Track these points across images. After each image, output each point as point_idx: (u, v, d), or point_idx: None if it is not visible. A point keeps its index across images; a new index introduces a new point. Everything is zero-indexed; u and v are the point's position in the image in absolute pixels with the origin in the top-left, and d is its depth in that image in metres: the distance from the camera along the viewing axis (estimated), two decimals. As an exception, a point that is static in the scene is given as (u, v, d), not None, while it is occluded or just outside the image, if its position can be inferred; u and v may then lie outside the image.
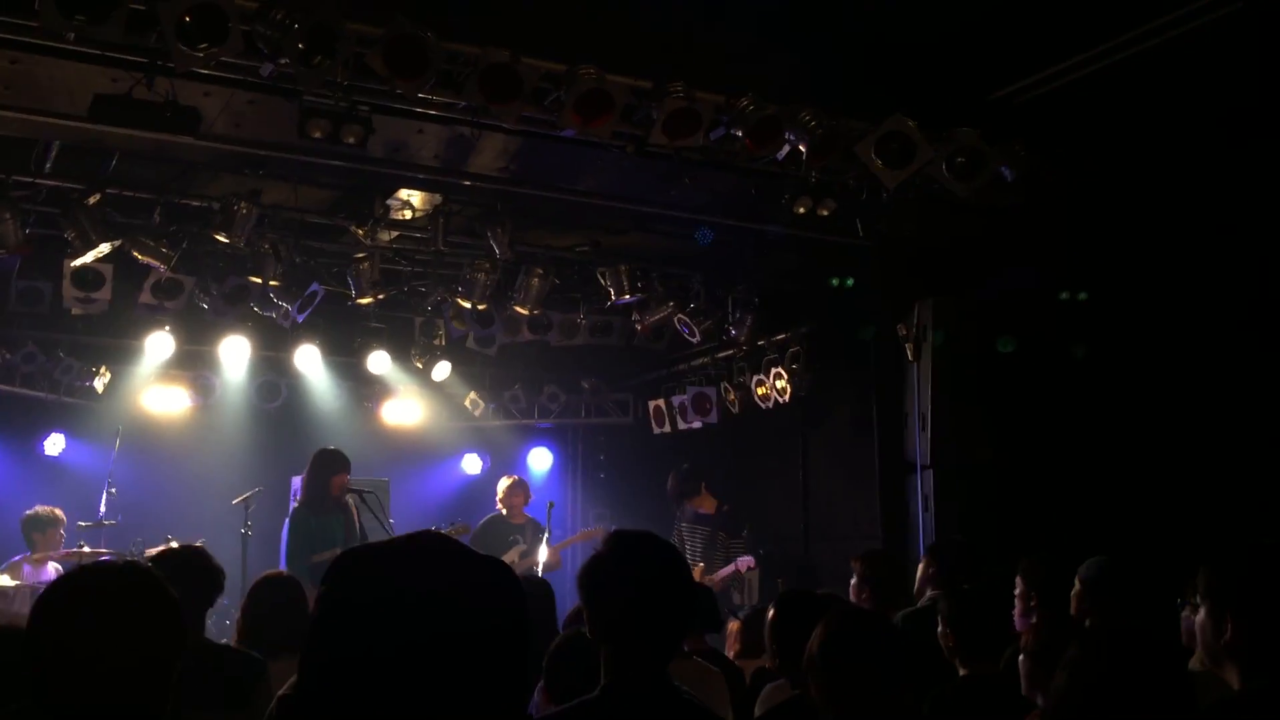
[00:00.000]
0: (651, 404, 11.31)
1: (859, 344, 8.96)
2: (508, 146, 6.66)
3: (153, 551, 7.51)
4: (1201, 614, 2.59)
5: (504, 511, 9.87)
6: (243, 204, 7.44)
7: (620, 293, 9.03)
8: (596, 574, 2.53)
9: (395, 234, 8.54)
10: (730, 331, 9.77)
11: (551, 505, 9.72)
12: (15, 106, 5.75)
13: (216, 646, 4.23)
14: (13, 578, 7.85)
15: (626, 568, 2.52)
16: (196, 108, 5.67)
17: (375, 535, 8.08)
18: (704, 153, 6.49)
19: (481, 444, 12.32)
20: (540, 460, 12.81)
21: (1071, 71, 6.14)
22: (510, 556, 9.26)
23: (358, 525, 8.14)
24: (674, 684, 2.52)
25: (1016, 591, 4.86)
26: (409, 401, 11.29)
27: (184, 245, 7.92)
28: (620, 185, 7.32)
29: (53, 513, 8.45)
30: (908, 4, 5.77)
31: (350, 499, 8.17)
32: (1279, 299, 6.87)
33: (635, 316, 9.68)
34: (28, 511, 8.47)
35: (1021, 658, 3.60)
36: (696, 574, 9.09)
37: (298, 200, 7.90)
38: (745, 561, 9.08)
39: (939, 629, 4.48)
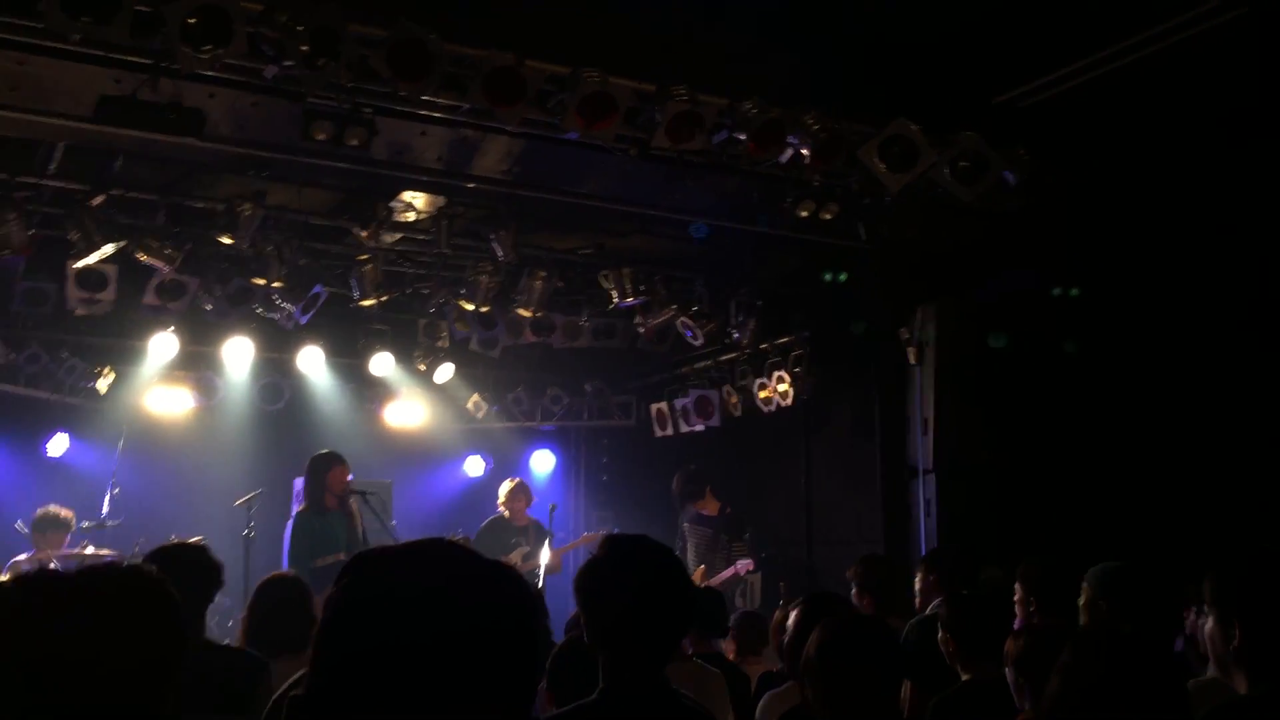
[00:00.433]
0: (654, 407, 11.32)
1: (861, 347, 8.96)
2: (511, 149, 6.67)
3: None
4: (1210, 622, 2.59)
5: (506, 514, 9.88)
6: (246, 205, 7.45)
7: (623, 295, 9.04)
8: (592, 579, 2.54)
9: (398, 236, 8.55)
10: (733, 335, 9.78)
11: (554, 507, 9.74)
12: (20, 107, 5.75)
13: (218, 646, 4.24)
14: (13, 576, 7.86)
15: (622, 572, 2.52)
16: (201, 109, 5.68)
17: (377, 537, 8.08)
18: (707, 156, 6.50)
19: (484, 446, 12.33)
20: (543, 462, 12.82)
21: (1075, 76, 6.15)
22: (513, 559, 9.26)
23: (360, 529, 8.14)
24: (671, 687, 2.52)
25: (1015, 597, 4.87)
26: (412, 403, 11.29)
27: (188, 246, 7.94)
28: (623, 188, 7.32)
29: (59, 515, 8.45)
30: (910, 7, 5.78)
31: (354, 502, 8.17)
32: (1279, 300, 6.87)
33: (638, 319, 9.68)
34: (38, 511, 8.47)
35: (1007, 668, 3.60)
36: (698, 575, 9.10)
37: (301, 202, 7.91)
38: (745, 564, 9.08)
39: (939, 634, 4.49)
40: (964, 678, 4.33)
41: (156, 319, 9.08)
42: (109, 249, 7.46)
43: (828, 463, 9.92)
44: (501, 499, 9.95)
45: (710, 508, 9.49)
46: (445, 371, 10.33)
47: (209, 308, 8.78)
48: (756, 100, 6.14)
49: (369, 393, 11.18)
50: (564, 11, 5.62)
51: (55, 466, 10.21)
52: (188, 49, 4.99)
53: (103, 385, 9.87)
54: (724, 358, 10.51)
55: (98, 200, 7.29)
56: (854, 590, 5.68)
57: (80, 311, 8.54)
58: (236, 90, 5.75)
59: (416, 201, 8.06)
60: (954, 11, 5.76)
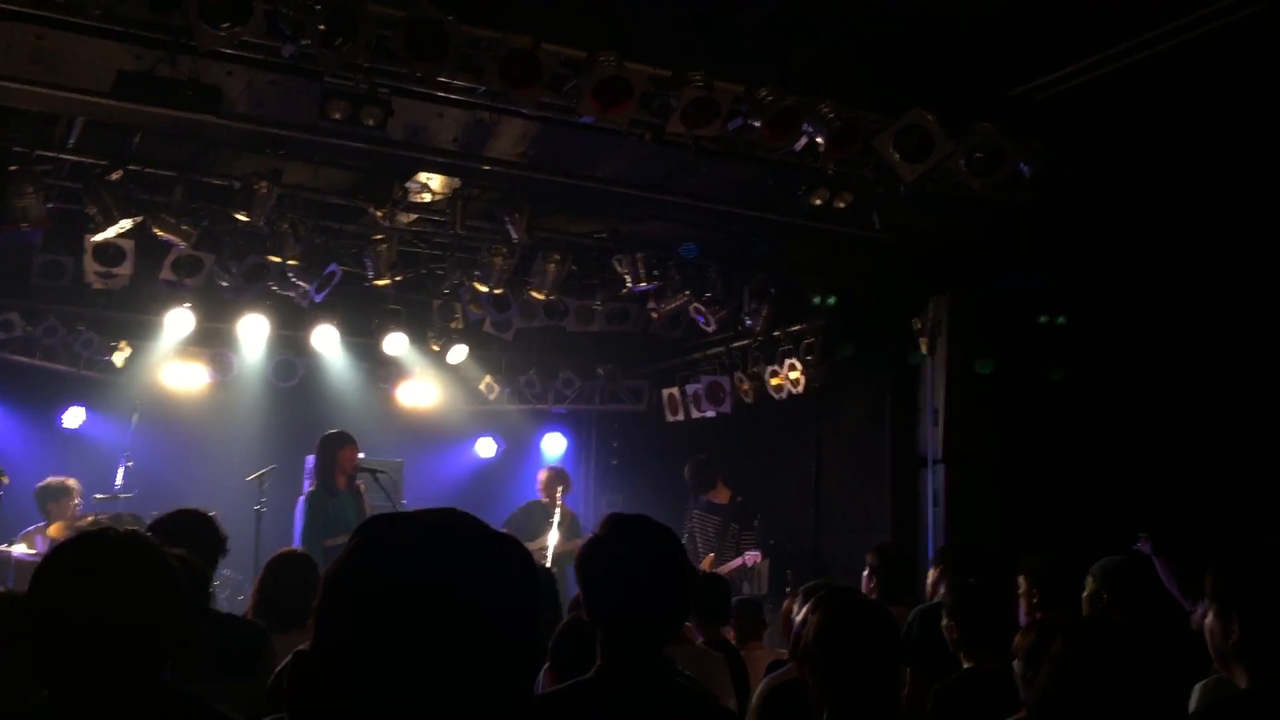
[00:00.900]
0: (666, 392, 11.33)
1: (873, 337, 8.97)
2: (526, 132, 6.68)
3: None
4: (1210, 616, 2.59)
5: (545, 500, 9.91)
6: (263, 183, 7.49)
7: (637, 280, 9.06)
8: (592, 556, 2.55)
9: (414, 217, 8.59)
10: (746, 321, 9.78)
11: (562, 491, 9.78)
12: (40, 82, 5.78)
13: (220, 615, 4.28)
14: (29, 547, 7.96)
15: (621, 550, 2.54)
16: (218, 87, 5.69)
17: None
18: (722, 142, 6.50)
19: (496, 428, 12.37)
20: (554, 445, 12.86)
21: (1092, 70, 6.12)
22: (540, 542, 9.33)
23: (368, 509, 8.19)
24: (669, 666, 2.55)
25: (1019, 589, 4.88)
26: (424, 383, 11.34)
27: (204, 223, 7.99)
28: (638, 173, 7.32)
29: (64, 483, 8.53)
30: (928, -2, 5.77)
31: (361, 483, 8.21)
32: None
33: (651, 304, 9.70)
34: (41, 483, 8.57)
35: (1015, 660, 3.61)
36: (706, 563, 9.12)
37: (318, 181, 7.95)
38: (752, 556, 9.10)
39: (943, 621, 4.50)
40: (966, 666, 4.35)
41: (173, 294, 9.15)
42: (126, 224, 7.51)
43: (838, 451, 9.93)
44: (540, 484, 9.99)
45: (721, 496, 9.51)
46: (458, 353, 10.36)
47: (225, 284, 8.83)
48: (772, 87, 6.12)
49: (382, 372, 11.24)
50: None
51: (71, 438, 10.30)
52: (206, 26, 5.02)
53: (119, 359, 9.95)
54: (736, 344, 10.51)
55: (116, 175, 7.34)
56: (864, 574, 5.73)
57: (98, 285, 8.61)
58: (254, 68, 5.76)
59: (432, 183, 8.09)
60: (972, 2, 5.73)
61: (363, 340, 10.43)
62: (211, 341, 10.33)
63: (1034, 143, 6.63)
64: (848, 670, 2.93)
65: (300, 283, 8.63)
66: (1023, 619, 4.74)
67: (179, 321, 9.35)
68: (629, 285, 9.13)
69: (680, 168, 6.88)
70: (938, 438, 8.32)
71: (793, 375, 9.60)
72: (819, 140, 6.35)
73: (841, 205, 6.90)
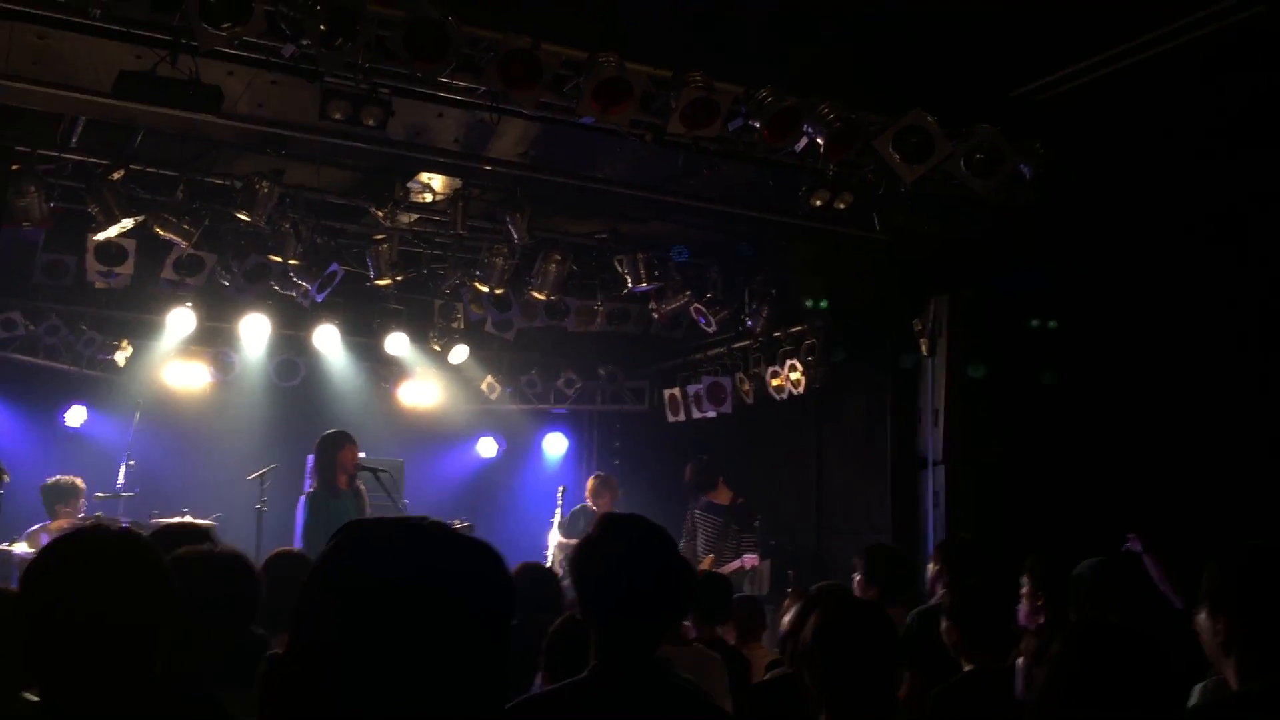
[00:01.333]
0: (667, 392, 11.34)
1: (874, 337, 8.97)
2: (527, 132, 6.68)
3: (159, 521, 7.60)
4: (1202, 616, 2.60)
5: (592, 506, 9.91)
6: (264, 183, 7.51)
7: (637, 280, 9.07)
8: (585, 555, 2.56)
9: (415, 217, 8.60)
10: (746, 322, 9.78)
11: (564, 490, 9.79)
12: (42, 81, 5.80)
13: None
14: (32, 546, 7.96)
15: (616, 550, 2.54)
16: (219, 86, 5.71)
17: (386, 514, 8.12)
18: (722, 143, 6.50)
19: (497, 427, 12.39)
20: (555, 445, 12.87)
21: (1092, 71, 6.11)
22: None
23: (368, 509, 8.19)
24: (663, 666, 2.55)
25: (1024, 590, 4.88)
26: (426, 383, 11.36)
27: (206, 222, 8.00)
28: (639, 174, 7.34)
29: (74, 482, 8.54)
30: (928, -1, 5.76)
31: (361, 483, 8.21)
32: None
33: (652, 304, 9.71)
34: (49, 480, 8.58)
35: (1021, 660, 3.61)
36: (707, 563, 9.13)
37: (319, 181, 7.96)
38: (750, 559, 9.11)
39: (942, 624, 4.50)
40: (966, 668, 4.34)
41: (174, 294, 9.17)
42: (128, 223, 7.53)
43: (839, 451, 9.94)
44: (588, 491, 10.00)
45: (722, 497, 9.51)
46: (460, 352, 10.38)
47: (226, 284, 8.85)
48: (772, 88, 6.12)
49: (384, 372, 11.26)
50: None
51: (72, 437, 10.32)
52: (207, 26, 5.02)
53: (121, 358, 9.98)
54: (737, 345, 10.52)
55: (118, 175, 7.35)
56: (857, 579, 5.70)
57: (99, 285, 8.63)
58: (255, 68, 5.77)
59: (433, 183, 8.11)
60: (972, 3, 5.73)
61: (364, 340, 10.45)
62: (213, 341, 10.35)
63: (1034, 144, 6.63)
64: (845, 670, 2.93)
65: (302, 282, 8.64)
66: (1024, 620, 4.75)
67: (180, 321, 9.36)
68: (630, 286, 9.14)
69: (681, 168, 6.89)
70: (938, 438, 8.32)
71: (793, 376, 9.61)
72: (819, 141, 6.35)
73: (842, 206, 6.90)
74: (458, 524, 8.52)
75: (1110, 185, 7.09)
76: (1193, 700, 3.09)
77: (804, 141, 6.39)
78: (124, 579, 2.10)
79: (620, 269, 9.11)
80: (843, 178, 6.90)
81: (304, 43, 5.33)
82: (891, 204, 7.21)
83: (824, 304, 8.83)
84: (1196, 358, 7.37)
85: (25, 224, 7.28)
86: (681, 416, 11.12)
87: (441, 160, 7.09)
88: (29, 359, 9.78)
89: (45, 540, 7.94)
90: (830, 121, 6.27)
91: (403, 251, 8.91)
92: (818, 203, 6.89)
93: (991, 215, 7.24)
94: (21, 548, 7.91)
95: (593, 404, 12.50)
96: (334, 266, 8.61)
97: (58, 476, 8.59)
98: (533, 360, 11.97)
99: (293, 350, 10.74)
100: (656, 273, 9.12)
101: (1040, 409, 8.16)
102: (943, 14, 5.85)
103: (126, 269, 8.43)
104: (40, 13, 5.26)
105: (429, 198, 8.28)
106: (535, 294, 9.21)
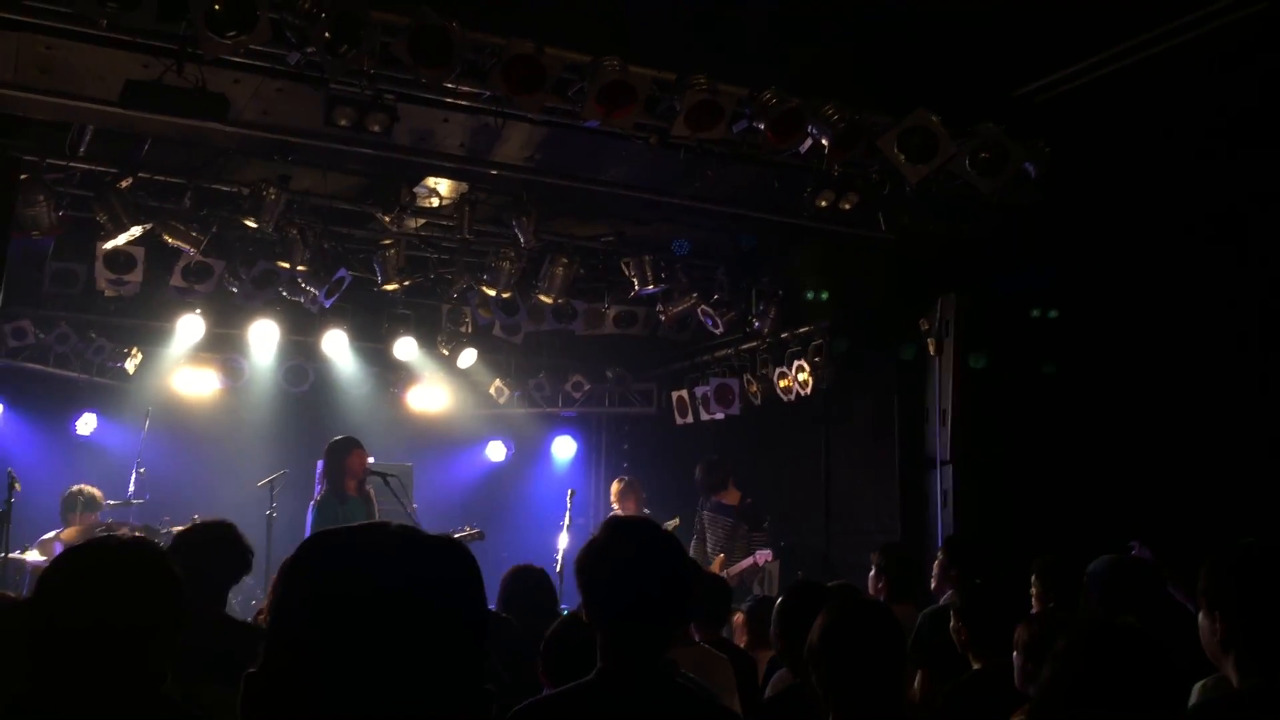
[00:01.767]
0: (675, 394, 11.35)
1: (881, 338, 8.97)
2: (533, 136, 6.70)
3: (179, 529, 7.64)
4: (1201, 614, 2.60)
5: (618, 510, 9.90)
6: (271, 190, 7.54)
7: (644, 283, 9.08)
8: (593, 560, 2.56)
9: (422, 221, 8.62)
10: (753, 324, 9.79)
11: (572, 493, 9.79)
12: (50, 91, 5.83)
13: (236, 623, 4.31)
14: (43, 554, 8.00)
15: (619, 552, 2.55)
16: (225, 94, 5.73)
17: (395, 520, 8.15)
18: (726, 145, 6.51)
19: (505, 431, 12.40)
20: (564, 449, 12.88)
21: (1095, 70, 6.11)
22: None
23: (376, 515, 8.22)
24: (670, 669, 2.55)
25: (1033, 591, 4.88)
26: (434, 388, 11.38)
27: (214, 229, 8.04)
28: (644, 176, 7.35)
29: (94, 495, 8.57)
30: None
31: (370, 488, 8.24)
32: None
33: (659, 307, 9.72)
34: (70, 489, 8.60)
35: (1015, 653, 3.62)
36: (717, 564, 9.13)
37: (326, 187, 7.99)
38: (764, 555, 9.09)
39: (951, 623, 4.51)
40: (976, 667, 4.35)
41: (183, 301, 9.20)
42: (136, 231, 7.56)
43: (847, 452, 9.93)
44: (613, 496, 9.99)
45: (731, 498, 9.51)
46: (468, 357, 10.39)
47: (235, 290, 8.88)
48: (776, 90, 6.14)
49: (392, 377, 11.28)
50: (584, 1, 5.65)
51: (83, 445, 10.37)
52: (212, 35, 5.05)
53: (130, 366, 10.02)
54: (745, 346, 10.52)
55: (126, 183, 7.39)
56: (871, 574, 5.74)
57: (109, 292, 8.67)
58: (261, 76, 5.81)
59: (440, 187, 8.13)
60: (974, 3, 5.73)
61: (372, 345, 10.47)
62: (222, 347, 10.39)
63: (1038, 143, 6.63)
64: (852, 670, 2.94)
65: (310, 288, 8.67)
66: (1031, 618, 4.75)
67: (190, 327, 9.40)
68: (637, 288, 9.15)
69: (686, 170, 6.90)
70: (945, 438, 8.32)
71: (801, 377, 9.60)
72: (824, 142, 6.36)
73: (847, 207, 6.91)
74: (466, 530, 8.56)
75: (1113, 184, 7.09)
76: (1193, 699, 3.10)
77: (808, 142, 6.41)
78: (134, 588, 2.11)
79: (627, 272, 9.12)
80: (848, 178, 6.91)
81: (309, 50, 5.36)
82: (897, 204, 7.21)
83: (825, 295, 8.81)
84: (1199, 356, 7.36)
85: (35, 233, 7.32)
86: (690, 419, 11.13)
87: (447, 165, 7.11)
88: (40, 367, 9.83)
89: (58, 548, 8.04)
90: (834, 122, 6.28)
91: (410, 256, 8.94)
92: (823, 203, 6.90)
93: (997, 214, 7.24)
94: (33, 555, 7.95)
95: (601, 407, 12.51)
96: (342, 272, 8.64)
97: (81, 485, 8.62)
98: (541, 364, 11.99)
99: (301, 356, 10.77)
100: (663, 275, 9.13)
101: (1047, 408, 8.16)
102: (944, 14, 5.86)
103: (135, 277, 8.46)
104: (47, 23, 5.30)
105: (435, 202, 8.30)
106: (543, 297, 9.23)
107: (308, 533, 7.99)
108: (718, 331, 9.98)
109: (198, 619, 2.39)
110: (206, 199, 7.94)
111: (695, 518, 9.65)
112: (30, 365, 9.79)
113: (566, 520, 9.62)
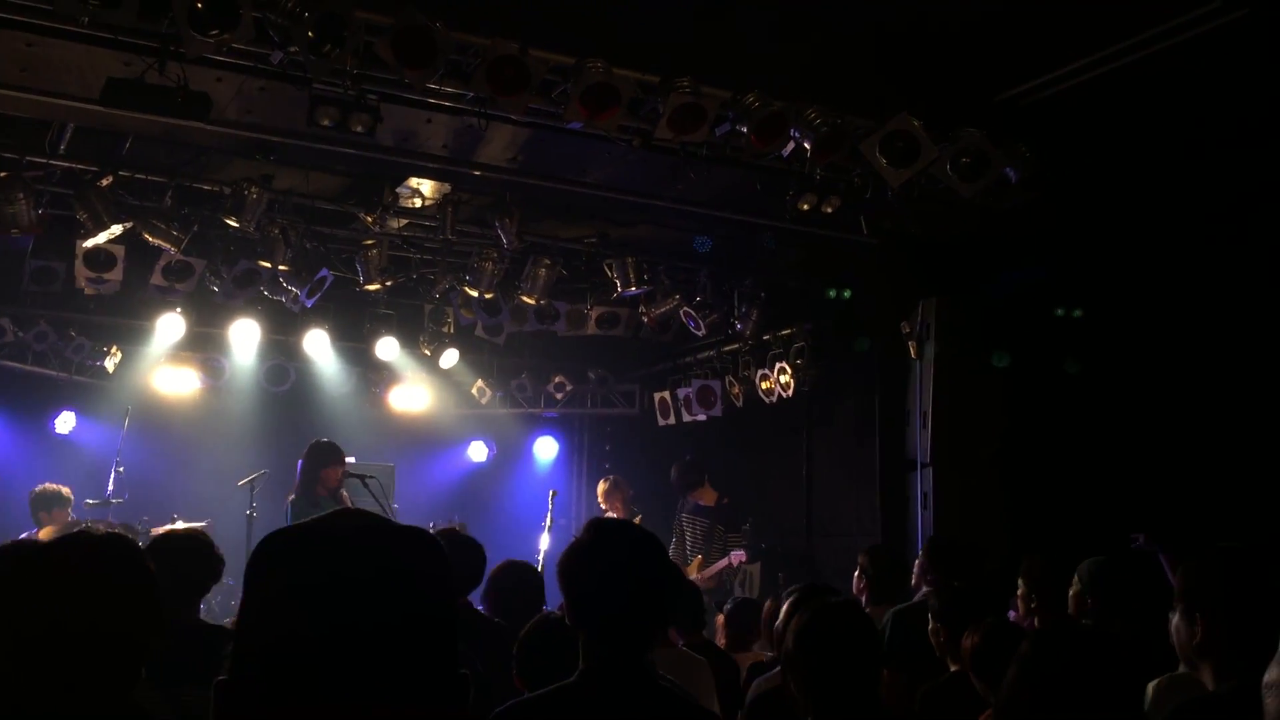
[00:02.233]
0: (657, 396, 11.37)
1: (874, 340, 8.99)
2: (516, 137, 6.71)
3: (158, 531, 7.61)
4: (1176, 616, 2.62)
5: (607, 510, 9.90)
6: (253, 189, 7.51)
7: (627, 284, 9.09)
8: (571, 560, 2.57)
9: (404, 222, 8.60)
10: (736, 325, 9.81)
11: (554, 494, 9.80)
12: (30, 88, 5.81)
13: (209, 626, 4.31)
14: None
15: (600, 554, 2.55)
16: (208, 93, 5.71)
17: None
18: (709, 148, 6.53)
19: (487, 432, 12.40)
20: (546, 449, 12.88)
21: (1076, 75, 6.16)
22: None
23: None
24: (652, 671, 2.56)
25: (1019, 591, 4.91)
26: (416, 388, 11.36)
27: (195, 228, 7.99)
28: (627, 178, 7.36)
29: (59, 491, 8.53)
30: (914, 4, 5.79)
31: (344, 491, 8.21)
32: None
33: (642, 308, 9.73)
34: (36, 488, 8.57)
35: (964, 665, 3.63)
36: (695, 566, 9.14)
37: (308, 186, 7.96)
38: (737, 555, 9.10)
39: (930, 625, 4.53)
40: (953, 668, 4.37)
41: (164, 299, 9.15)
42: (116, 229, 7.52)
43: (829, 454, 9.96)
44: (600, 496, 9.99)
45: (708, 498, 9.53)
46: (450, 357, 10.38)
47: (216, 289, 8.85)
48: (759, 93, 6.15)
49: (374, 376, 11.25)
50: (569, 2, 5.65)
51: (62, 444, 10.31)
52: (195, 33, 5.03)
53: (110, 364, 9.96)
54: (727, 348, 10.55)
55: (106, 181, 7.35)
56: (855, 574, 5.75)
57: (89, 291, 8.62)
58: (243, 75, 5.79)
59: (423, 188, 8.11)
60: (957, 8, 5.77)
61: (354, 345, 10.45)
62: (203, 346, 10.35)
63: (1019, 148, 6.67)
64: (827, 672, 2.95)
65: (291, 288, 8.63)
66: (1017, 621, 4.78)
67: (170, 326, 9.34)
68: (620, 289, 9.16)
69: (669, 173, 6.92)
70: (926, 441, 8.35)
71: (783, 379, 9.63)
72: (806, 146, 6.38)
73: (829, 210, 6.93)
74: (453, 524, 8.56)
75: (1095, 188, 7.14)
76: (1148, 697, 3.12)
77: (791, 146, 6.43)
78: (109, 587, 2.10)
79: (610, 273, 9.13)
80: (830, 181, 6.93)
81: (292, 49, 5.34)
82: (879, 207, 7.25)
83: (848, 294, 8.78)
84: (1186, 355, 7.42)
85: (14, 231, 7.27)
86: (672, 420, 11.14)
87: (430, 165, 7.11)
88: (18, 365, 9.77)
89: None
90: (817, 126, 6.31)
91: (392, 256, 8.92)
92: (805, 206, 6.92)
93: (978, 218, 7.28)
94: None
95: (583, 408, 12.53)
96: (323, 272, 8.61)
97: (45, 484, 8.58)
98: (523, 364, 11.99)
99: (282, 355, 10.73)
100: (646, 276, 9.15)
101: (1028, 409, 8.20)
102: (927, 19, 5.89)
103: (115, 275, 8.42)
104: (28, 20, 5.26)
105: (418, 203, 8.28)
106: (525, 298, 9.23)
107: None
108: (700, 333, 9.99)
109: (173, 624, 2.37)
110: (188, 198, 7.90)
111: (675, 521, 9.66)
112: (9, 363, 9.74)
113: (548, 521, 9.61)
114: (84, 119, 6.33)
